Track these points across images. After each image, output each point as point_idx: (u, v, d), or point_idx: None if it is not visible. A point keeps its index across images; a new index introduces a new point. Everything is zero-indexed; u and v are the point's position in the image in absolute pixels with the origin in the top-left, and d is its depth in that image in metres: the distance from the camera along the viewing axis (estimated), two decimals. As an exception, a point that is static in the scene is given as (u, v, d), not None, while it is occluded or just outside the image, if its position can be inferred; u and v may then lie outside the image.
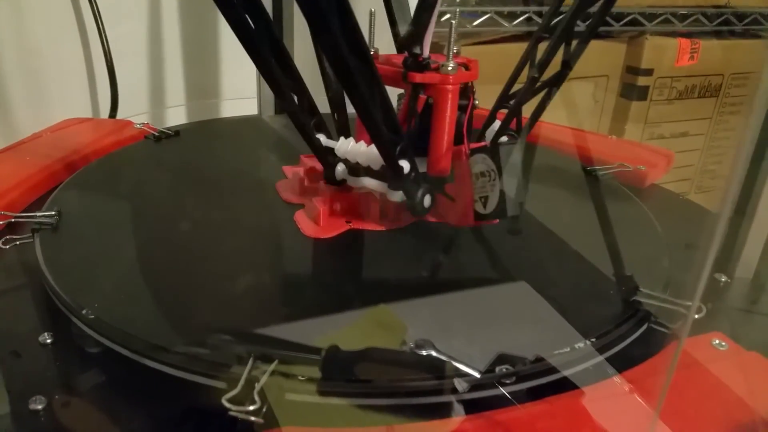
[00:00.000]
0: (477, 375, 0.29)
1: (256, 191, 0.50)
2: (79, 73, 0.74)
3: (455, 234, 0.44)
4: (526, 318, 0.35)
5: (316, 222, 0.43)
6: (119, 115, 0.75)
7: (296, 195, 0.47)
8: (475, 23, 0.92)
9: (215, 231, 0.44)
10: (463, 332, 0.33)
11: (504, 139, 0.45)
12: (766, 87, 0.18)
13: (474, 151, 0.39)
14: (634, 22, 1.03)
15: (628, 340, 0.34)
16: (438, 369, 0.29)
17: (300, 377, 0.29)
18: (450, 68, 0.40)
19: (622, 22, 1.02)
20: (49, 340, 0.32)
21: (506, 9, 0.93)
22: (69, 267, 0.38)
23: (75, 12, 0.73)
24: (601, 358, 0.32)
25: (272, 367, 0.28)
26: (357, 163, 0.42)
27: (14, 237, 0.41)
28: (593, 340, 0.32)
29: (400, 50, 0.43)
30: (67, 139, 0.58)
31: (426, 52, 0.40)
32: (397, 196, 0.41)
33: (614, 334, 0.33)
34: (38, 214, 0.42)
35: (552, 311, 0.34)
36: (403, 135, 0.39)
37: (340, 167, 0.42)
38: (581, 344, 0.31)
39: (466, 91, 0.42)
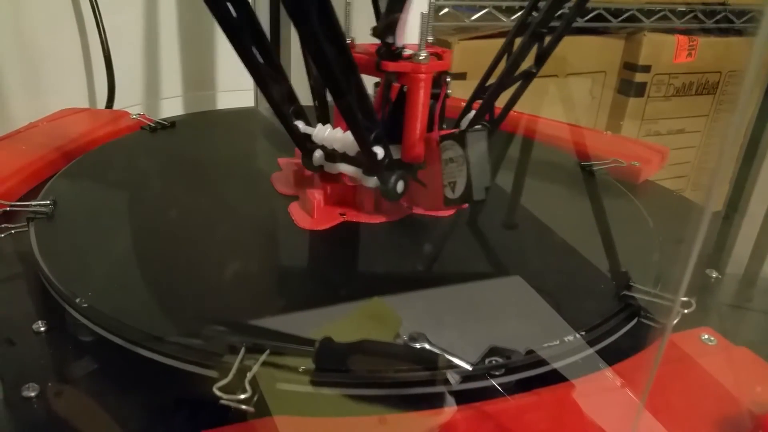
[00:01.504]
0: (468, 367, 0.29)
1: (251, 183, 0.51)
2: (76, 64, 0.74)
3: (448, 228, 0.44)
4: (517, 311, 0.35)
5: (310, 214, 0.43)
6: (116, 106, 0.75)
7: (291, 187, 0.47)
8: (474, 17, 0.92)
9: (210, 222, 0.44)
10: (455, 325, 0.33)
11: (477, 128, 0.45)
12: (750, 83, 0.18)
13: (443, 138, 0.39)
14: (632, 19, 1.03)
15: (618, 334, 0.34)
16: (429, 361, 0.30)
17: (292, 367, 0.29)
18: (422, 57, 0.40)
19: (620, 18, 1.02)
20: (42, 328, 0.32)
21: (504, 3, 0.93)
22: (63, 256, 0.38)
23: (73, 2, 0.73)
24: (590, 351, 0.32)
25: (264, 356, 0.29)
26: (333, 149, 0.42)
27: (9, 226, 0.41)
28: (583, 333, 0.32)
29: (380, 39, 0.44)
30: (63, 129, 0.58)
31: (400, 42, 0.41)
32: (372, 181, 0.42)
33: (604, 328, 0.33)
34: (33, 203, 0.42)
35: (542, 304, 0.35)
36: (378, 122, 0.40)
37: (318, 153, 0.43)
38: (571, 337, 0.32)
39: (439, 80, 0.43)
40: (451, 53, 0.43)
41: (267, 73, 0.38)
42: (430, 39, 0.42)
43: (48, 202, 0.42)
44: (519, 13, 0.94)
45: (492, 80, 0.46)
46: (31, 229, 0.40)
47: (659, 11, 1.05)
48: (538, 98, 1.02)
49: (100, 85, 0.75)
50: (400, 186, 0.42)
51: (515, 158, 0.59)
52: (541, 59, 0.44)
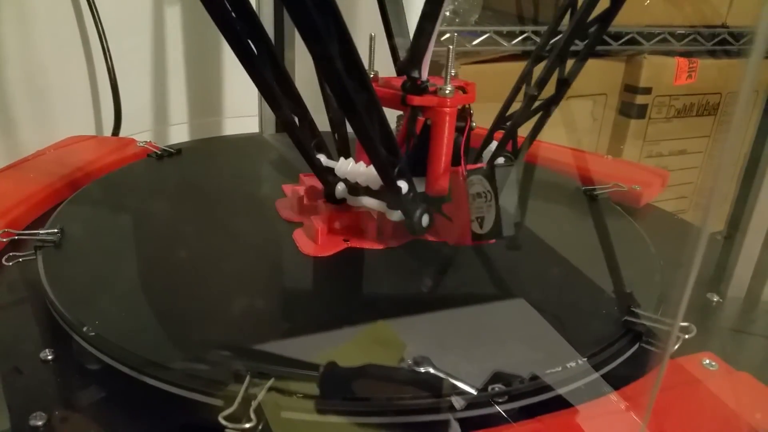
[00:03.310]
0: (473, 392, 0.29)
1: (256, 209, 0.51)
2: (82, 91, 0.75)
3: (451, 252, 0.45)
4: (520, 336, 0.35)
5: (314, 240, 0.44)
6: (122, 133, 0.75)
7: (295, 213, 0.48)
8: (475, 42, 0.93)
9: (215, 249, 0.44)
10: (458, 349, 0.33)
11: (500, 160, 0.45)
12: (744, 102, 0.19)
13: (471, 173, 0.40)
14: (632, 42, 1.04)
15: (621, 360, 0.34)
16: (433, 387, 0.30)
17: (297, 395, 0.29)
18: (448, 91, 0.41)
19: (620, 42, 1.03)
20: (50, 357, 0.33)
21: (505, 29, 0.95)
22: (71, 284, 0.38)
23: (80, 30, 0.74)
24: (593, 376, 0.32)
25: (268, 384, 0.29)
26: (357, 182, 0.43)
27: (17, 254, 0.42)
28: (585, 359, 0.32)
29: (399, 74, 0.44)
30: (70, 157, 0.59)
31: (424, 76, 0.41)
32: (396, 215, 0.42)
33: (606, 354, 0.33)
34: (41, 231, 0.43)
35: (545, 330, 0.35)
36: (401, 156, 0.40)
37: (341, 186, 0.43)
38: (573, 363, 0.32)
39: (464, 113, 0.43)
40: (475, 86, 0.44)
41: (288, 107, 0.38)
42: (454, 72, 0.42)
43: (55, 230, 0.43)
44: (519, 38, 0.95)
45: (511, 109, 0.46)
46: (38, 258, 0.40)
47: (659, 34, 1.06)
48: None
49: (107, 112, 0.76)
50: (425, 220, 0.42)
51: (519, 182, 0.60)
52: (562, 86, 0.44)
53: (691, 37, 1.09)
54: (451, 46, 0.40)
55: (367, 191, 0.43)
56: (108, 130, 0.76)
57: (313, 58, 0.32)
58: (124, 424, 0.30)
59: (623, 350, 0.35)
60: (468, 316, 0.37)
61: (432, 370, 0.30)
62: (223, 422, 0.27)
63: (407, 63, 0.41)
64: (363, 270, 0.43)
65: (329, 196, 0.44)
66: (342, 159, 0.43)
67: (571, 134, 1.04)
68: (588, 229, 0.50)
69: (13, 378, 0.32)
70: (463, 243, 0.42)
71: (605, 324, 0.36)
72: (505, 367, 0.31)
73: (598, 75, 1.05)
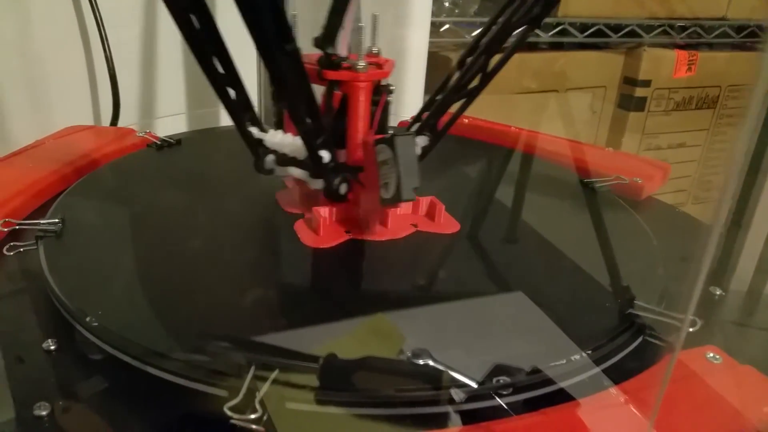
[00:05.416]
0: (475, 385, 0.29)
1: (257, 201, 0.51)
2: (81, 81, 0.75)
3: (452, 245, 0.45)
4: (523, 329, 0.35)
5: (315, 232, 0.44)
6: (120, 123, 0.75)
7: (296, 205, 0.48)
8: (474, 34, 0.93)
9: (217, 240, 0.44)
10: (460, 343, 0.33)
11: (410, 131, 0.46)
12: (759, 99, 0.19)
13: (378, 142, 0.41)
14: (631, 34, 1.04)
15: (624, 353, 0.34)
16: (435, 379, 0.30)
17: (300, 386, 0.29)
18: (360, 66, 0.42)
19: (619, 34, 1.03)
20: (52, 347, 0.33)
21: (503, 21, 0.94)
22: (72, 274, 0.38)
23: (78, 20, 0.73)
24: (597, 370, 0.32)
25: (273, 375, 0.29)
26: (284, 153, 0.43)
27: (18, 244, 0.41)
28: (589, 352, 0.32)
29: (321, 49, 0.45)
30: (69, 147, 0.58)
31: (343, 52, 0.42)
32: (318, 183, 0.43)
33: (610, 347, 0.33)
34: (42, 221, 0.43)
35: (548, 323, 0.35)
36: (324, 128, 0.41)
37: (270, 158, 0.44)
38: (577, 356, 0.32)
39: (380, 88, 0.44)
40: (393, 63, 0.45)
41: (226, 82, 0.39)
42: (375, 50, 0.44)
43: (56, 220, 0.43)
44: (518, 30, 0.95)
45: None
46: (40, 248, 0.40)
47: (659, 26, 1.06)
48: (538, 113, 1.03)
49: (106, 102, 0.75)
50: (343, 188, 0.43)
51: (519, 175, 0.60)
52: (486, 78, 0.46)
53: (691, 30, 1.09)
54: (362, 24, 0.42)
55: (294, 162, 0.43)
56: (106, 120, 0.76)
57: (247, 28, 0.33)
58: (128, 414, 0.29)
59: (626, 343, 0.35)
60: (470, 309, 0.37)
61: (431, 362, 0.30)
62: (229, 413, 0.27)
63: (323, 39, 0.42)
64: (365, 262, 0.43)
65: (259, 167, 0.45)
66: (271, 131, 0.44)
67: (569, 127, 1.04)
68: (590, 221, 0.50)
69: (16, 368, 0.31)
70: (374, 207, 0.44)
71: (608, 317, 0.36)
72: (507, 360, 0.31)
73: (597, 67, 1.05)
